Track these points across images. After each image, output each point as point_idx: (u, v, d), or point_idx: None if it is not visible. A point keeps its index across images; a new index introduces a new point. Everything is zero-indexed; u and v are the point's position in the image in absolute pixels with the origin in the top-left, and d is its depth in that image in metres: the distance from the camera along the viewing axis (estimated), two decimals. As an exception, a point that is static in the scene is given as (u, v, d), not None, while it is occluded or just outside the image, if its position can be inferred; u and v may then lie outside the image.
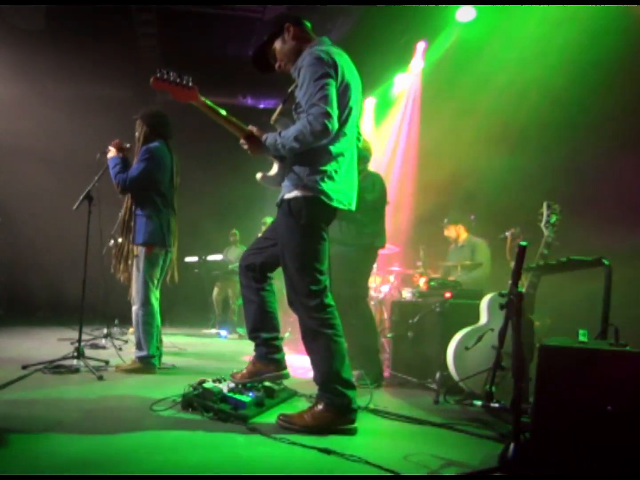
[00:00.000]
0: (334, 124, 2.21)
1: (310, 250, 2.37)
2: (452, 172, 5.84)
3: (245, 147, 2.52)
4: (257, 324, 2.61)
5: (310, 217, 2.33)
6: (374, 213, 3.71)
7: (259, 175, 2.55)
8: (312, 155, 2.32)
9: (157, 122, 3.77)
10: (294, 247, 2.37)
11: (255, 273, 2.59)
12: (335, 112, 2.22)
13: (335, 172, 2.35)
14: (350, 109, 2.41)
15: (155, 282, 3.71)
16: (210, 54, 8.01)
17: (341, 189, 2.37)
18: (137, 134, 3.78)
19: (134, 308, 3.68)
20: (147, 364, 3.59)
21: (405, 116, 7.18)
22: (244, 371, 2.62)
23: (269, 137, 2.38)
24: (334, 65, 2.29)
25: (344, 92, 2.35)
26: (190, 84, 2.31)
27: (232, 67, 7.96)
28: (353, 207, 2.48)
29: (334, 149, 2.34)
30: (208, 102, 2.45)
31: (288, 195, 2.37)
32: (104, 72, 7.76)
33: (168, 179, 3.72)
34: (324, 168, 2.32)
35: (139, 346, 3.63)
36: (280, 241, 2.44)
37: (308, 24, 2.57)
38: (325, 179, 2.32)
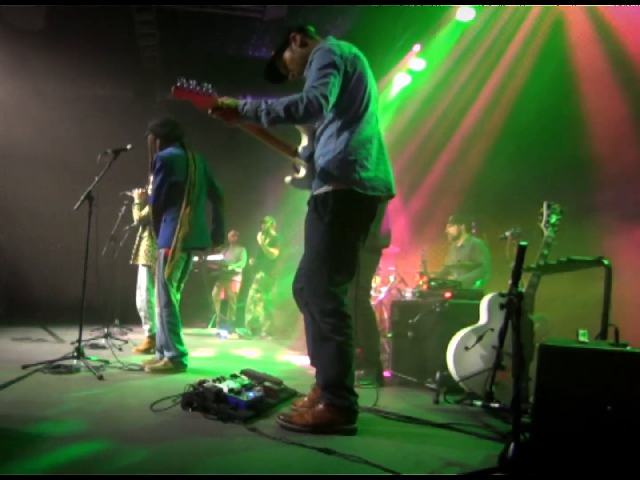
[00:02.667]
0: (327, 111, 2.19)
1: (333, 249, 2.29)
2: (453, 172, 5.84)
3: (214, 116, 2.30)
4: None
5: (337, 213, 2.27)
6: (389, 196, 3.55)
7: (288, 179, 2.52)
8: (339, 146, 2.28)
9: (166, 130, 3.83)
10: (316, 244, 2.31)
11: None
12: (331, 101, 2.19)
13: (366, 159, 2.29)
14: (369, 96, 2.38)
15: (175, 284, 3.75)
16: (210, 54, 8.02)
17: (376, 175, 2.31)
18: (150, 149, 3.86)
19: (157, 310, 3.73)
20: (177, 364, 3.63)
21: (405, 115, 7.18)
22: (306, 399, 2.55)
23: (248, 104, 2.25)
24: (343, 56, 2.27)
25: (359, 80, 2.33)
26: (210, 91, 2.29)
27: (232, 67, 7.96)
28: (394, 193, 2.40)
29: (359, 137, 2.30)
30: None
31: (317, 191, 2.32)
32: (104, 72, 7.77)
33: (184, 180, 3.73)
34: (353, 157, 2.27)
35: (167, 347, 3.65)
36: (305, 238, 2.39)
37: (312, 28, 2.57)
38: (357, 168, 2.26)
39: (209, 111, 2.29)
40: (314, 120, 2.31)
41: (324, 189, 2.30)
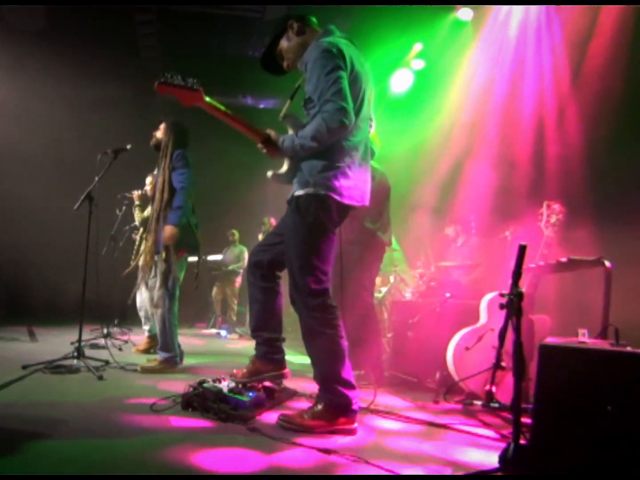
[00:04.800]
0: (351, 118, 2.18)
1: (314, 249, 2.33)
2: (453, 172, 5.85)
3: (264, 151, 2.44)
4: (259, 323, 2.60)
5: (317, 215, 2.29)
6: (374, 208, 3.54)
7: (269, 173, 2.51)
8: (324, 152, 2.27)
9: (182, 134, 3.88)
10: (298, 244, 2.34)
11: (263, 270, 2.56)
12: (350, 106, 2.18)
13: (349, 167, 2.30)
14: (362, 100, 2.37)
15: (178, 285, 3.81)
16: (210, 54, 8.01)
17: (354, 185, 2.33)
18: (159, 135, 3.88)
19: (160, 311, 3.72)
20: (174, 364, 3.67)
21: (405, 114, 7.18)
22: (244, 370, 2.62)
23: (285, 140, 2.33)
24: (342, 56, 2.24)
25: (353, 83, 2.30)
26: (195, 86, 2.26)
27: (232, 67, 7.96)
28: (367, 203, 2.43)
29: (347, 143, 2.30)
30: (214, 103, 2.37)
31: (298, 193, 2.34)
32: (104, 72, 7.76)
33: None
34: (337, 164, 2.28)
35: (166, 348, 3.67)
36: (286, 238, 2.42)
37: (314, 19, 2.52)
38: (338, 176, 2.27)
39: (259, 145, 2.41)
40: (345, 132, 2.25)
41: (304, 191, 2.31)
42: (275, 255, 2.52)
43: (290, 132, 2.50)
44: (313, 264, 2.33)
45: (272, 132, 2.42)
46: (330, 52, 2.23)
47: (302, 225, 2.32)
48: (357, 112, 2.33)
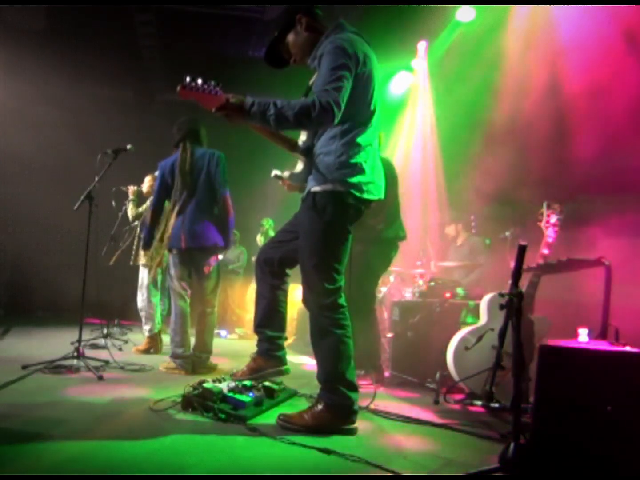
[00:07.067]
0: (339, 117, 2.13)
1: (330, 248, 2.31)
2: (453, 172, 5.85)
3: (220, 114, 2.23)
4: (264, 320, 2.60)
5: (334, 214, 2.27)
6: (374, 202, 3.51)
7: (286, 173, 2.49)
8: (341, 148, 2.26)
9: (176, 134, 3.84)
10: (313, 243, 2.32)
11: (272, 268, 2.54)
12: (342, 109, 2.14)
13: (365, 162, 2.29)
14: (376, 98, 2.36)
15: (177, 283, 3.79)
16: (210, 54, 8.01)
17: (371, 180, 2.32)
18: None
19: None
20: (178, 365, 3.70)
21: (406, 116, 7.19)
22: (245, 368, 2.62)
23: (255, 105, 2.17)
24: (356, 56, 2.21)
25: (367, 81, 2.29)
26: (216, 90, 2.20)
27: (232, 67, 7.95)
28: (383, 197, 2.42)
29: (362, 140, 2.29)
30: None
31: (315, 189, 2.30)
32: (103, 73, 7.76)
33: (172, 182, 3.75)
34: (353, 161, 2.26)
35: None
36: (301, 235, 2.39)
37: (319, 12, 2.47)
38: (356, 172, 2.26)
39: (213, 109, 2.21)
40: (324, 127, 2.26)
41: (321, 187, 2.29)
42: (286, 252, 2.51)
43: (303, 133, 2.49)
44: (328, 263, 2.31)
45: (229, 95, 2.21)
46: (343, 49, 2.19)
47: (318, 223, 2.29)
48: (373, 110, 2.34)
